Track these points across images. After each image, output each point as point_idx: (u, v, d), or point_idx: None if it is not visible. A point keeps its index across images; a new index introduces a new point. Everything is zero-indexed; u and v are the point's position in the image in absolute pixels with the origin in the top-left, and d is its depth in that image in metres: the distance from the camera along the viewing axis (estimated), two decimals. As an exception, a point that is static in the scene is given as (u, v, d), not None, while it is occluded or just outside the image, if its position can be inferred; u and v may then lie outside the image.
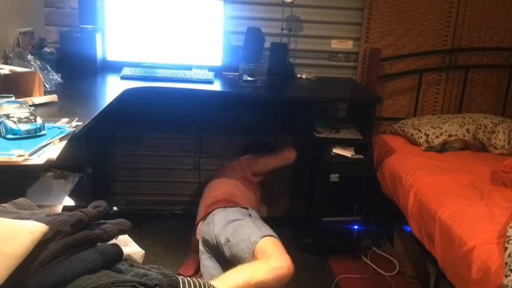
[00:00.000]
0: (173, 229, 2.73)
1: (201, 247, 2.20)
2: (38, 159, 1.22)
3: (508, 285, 1.45)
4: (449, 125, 2.66)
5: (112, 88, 2.20)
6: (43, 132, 1.40)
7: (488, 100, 3.03)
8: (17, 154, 1.22)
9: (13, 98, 1.58)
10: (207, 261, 2.17)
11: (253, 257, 1.82)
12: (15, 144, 1.32)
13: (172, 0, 2.53)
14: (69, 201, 1.65)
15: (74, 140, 1.41)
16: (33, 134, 1.38)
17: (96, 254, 1.00)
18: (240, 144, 2.84)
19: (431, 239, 2.01)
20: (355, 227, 2.54)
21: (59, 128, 1.45)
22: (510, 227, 1.66)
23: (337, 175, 2.45)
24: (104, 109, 1.75)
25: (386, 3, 2.82)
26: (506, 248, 1.57)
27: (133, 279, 0.98)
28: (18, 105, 1.48)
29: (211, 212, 2.21)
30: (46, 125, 1.44)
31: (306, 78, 2.77)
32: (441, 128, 2.64)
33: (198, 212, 2.38)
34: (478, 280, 1.63)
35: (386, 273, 2.46)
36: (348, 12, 2.83)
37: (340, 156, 2.46)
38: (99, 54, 2.48)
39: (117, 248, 1.07)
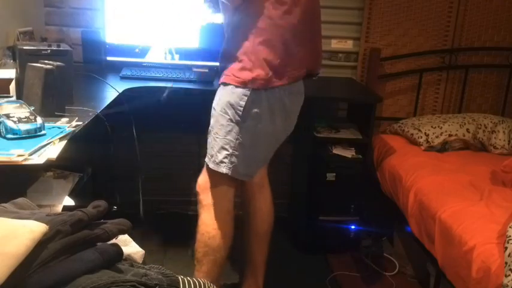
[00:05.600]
0: (173, 229, 2.73)
1: None
2: (38, 159, 1.22)
3: (508, 285, 1.45)
4: (449, 125, 2.66)
5: (112, 88, 2.20)
6: (43, 132, 1.40)
7: (488, 100, 3.03)
8: (17, 154, 1.22)
9: (13, 98, 1.58)
10: None
11: None
12: (15, 144, 1.32)
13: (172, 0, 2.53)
14: (69, 201, 1.65)
15: (74, 140, 1.41)
16: (33, 134, 1.37)
17: (96, 254, 1.00)
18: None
19: (431, 238, 2.01)
20: (352, 227, 2.53)
21: (59, 127, 1.45)
22: (510, 227, 1.66)
23: (334, 174, 2.45)
24: (103, 109, 1.75)
25: (387, 3, 2.81)
26: (506, 248, 1.57)
27: (134, 279, 0.99)
28: (18, 105, 1.48)
29: None
30: (46, 124, 1.43)
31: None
32: (441, 128, 2.64)
33: None
34: (478, 280, 1.63)
35: (386, 273, 2.46)
36: (348, 12, 2.82)
37: (339, 155, 2.46)
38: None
39: (117, 248, 1.08)
